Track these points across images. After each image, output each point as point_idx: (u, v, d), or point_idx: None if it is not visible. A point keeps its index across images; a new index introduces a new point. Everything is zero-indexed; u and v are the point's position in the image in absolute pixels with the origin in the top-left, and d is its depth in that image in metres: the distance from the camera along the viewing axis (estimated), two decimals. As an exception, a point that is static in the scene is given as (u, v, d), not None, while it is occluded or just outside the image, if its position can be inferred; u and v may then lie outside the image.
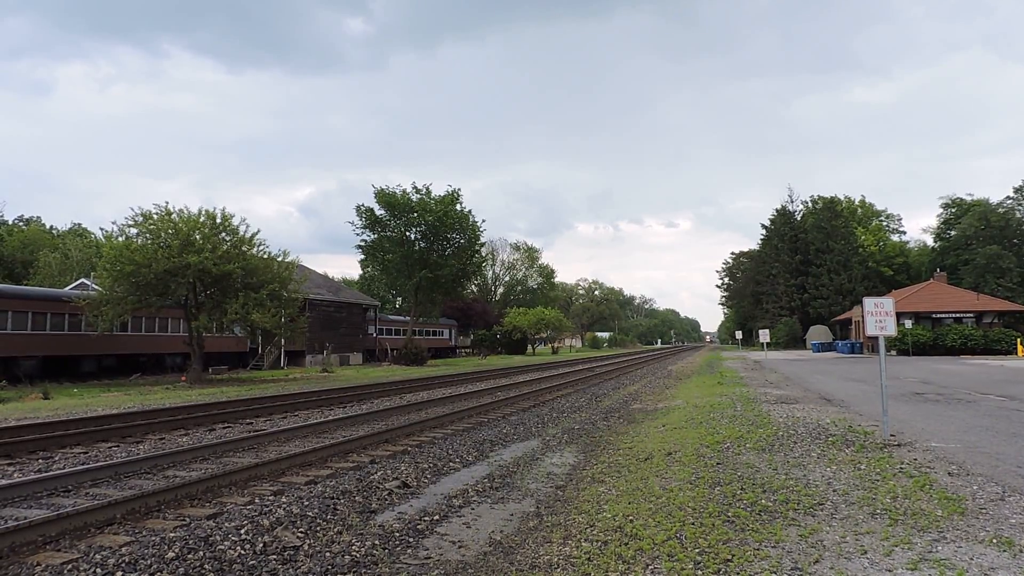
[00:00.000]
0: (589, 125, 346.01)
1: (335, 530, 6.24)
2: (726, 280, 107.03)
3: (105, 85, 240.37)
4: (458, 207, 48.01)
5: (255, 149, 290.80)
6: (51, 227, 74.20)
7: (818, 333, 64.99)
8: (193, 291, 27.87)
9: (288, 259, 31.58)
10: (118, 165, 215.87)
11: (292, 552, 5.59)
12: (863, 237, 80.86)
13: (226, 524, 6.21)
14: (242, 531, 5.99)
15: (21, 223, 72.84)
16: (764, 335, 46.00)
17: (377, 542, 5.91)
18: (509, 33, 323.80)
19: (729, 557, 4.90)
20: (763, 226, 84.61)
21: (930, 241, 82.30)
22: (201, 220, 28.10)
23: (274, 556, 5.48)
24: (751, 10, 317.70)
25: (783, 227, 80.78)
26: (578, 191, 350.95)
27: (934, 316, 49.02)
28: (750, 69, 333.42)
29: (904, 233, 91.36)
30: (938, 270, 61.26)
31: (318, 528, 6.26)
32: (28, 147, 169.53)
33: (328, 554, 5.57)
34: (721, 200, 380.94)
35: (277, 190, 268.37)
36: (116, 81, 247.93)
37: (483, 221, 50.18)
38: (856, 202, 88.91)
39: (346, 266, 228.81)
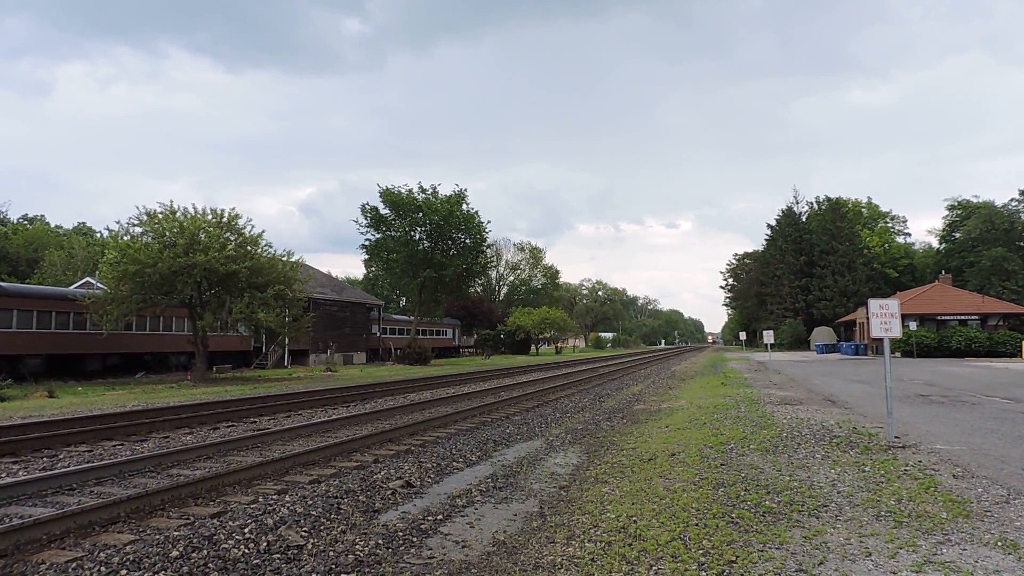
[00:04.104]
0: (589, 126, 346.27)
1: (339, 529, 6.24)
2: (730, 281, 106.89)
3: (105, 85, 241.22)
4: (464, 207, 48.00)
5: (256, 149, 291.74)
6: (55, 226, 74.45)
7: (822, 334, 64.81)
8: (198, 290, 27.93)
9: (293, 259, 31.69)
10: (121, 165, 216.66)
11: (296, 551, 5.59)
12: (868, 239, 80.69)
13: (230, 523, 6.22)
14: (246, 530, 6.00)
15: (25, 221, 73.07)
16: (768, 336, 45.81)
17: (381, 541, 5.91)
18: (505, 34, 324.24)
19: (733, 558, 4.89)
20: (768, 226, 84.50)
21: (935, 243, 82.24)
22: (208, 219, 28.18)
23: (278, 555, 5.49)
24: (745, 11, 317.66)
25: (788, 228, 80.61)
26: (579, 192, 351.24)
27: (939, 318, 48.87)
28: (748, 70, 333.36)
29: (909, 235, 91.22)
30: (943, 272, 61.04)
31: (322, 527, 6.26)
32: (30, 147, 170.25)
33: (332, 553, 5.57)
34: (722, 201, 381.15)
35: (279, 190, 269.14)
36: (116, 81, 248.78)
37: (488, 222, 50.24)
38: (862, 203, 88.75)
39: (348, 265, 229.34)
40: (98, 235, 65.52)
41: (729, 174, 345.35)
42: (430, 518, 6.76)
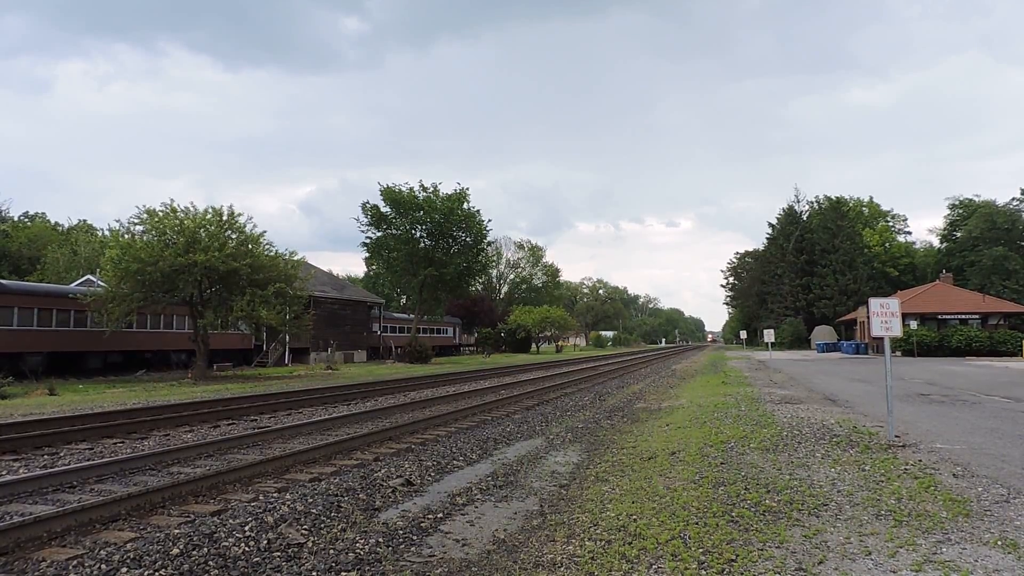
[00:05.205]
0: (588, 124, 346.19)
1: (339, 527, 6.25)
2: (731, 280, 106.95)
3: (104, 83, 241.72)
4: (465, 206, 47.99)
5: (256, 148, 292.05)
6: (55, 223, 74.36)
7: (823, 333, 64.83)
8: (199, 288, 27.95)
9: (296, 259, 31.78)
10: (121, 164, 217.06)
11: (296, 549, 5.60)
12: (869, 238, 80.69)
13: (230, 521, 6.22)
14: (246, 528, 6.01)
15: (26, 219, 73.04)
16: (768, 335, 45.90)
17: (381, 539, 5.92)
18: (504, 32, 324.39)
19: (733, 557, 4.90)
20: (769, 225, 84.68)
21: (936, 242, 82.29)
22: (208, 217, 28.19)
23: (278, 553, 5.49)
24: (744, 10, 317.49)
25: (789, 227, 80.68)
26: (579, 190, 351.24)
27: (939, 317, 48.86)
28: (747, 69, 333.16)
29: (910, 234, 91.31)
30: (944, 271, 61.08)
31: (322, 525, 6.27)
32: (30, 145, 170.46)
33: (332, 551, 5.58)
34: (722, 200, 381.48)
35: (278, 188, 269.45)
36: (115, 79, 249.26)
37: (489, 220, 50.24)
38: (863, 202, 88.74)
39: (348, 263, 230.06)
40: (99, 232, 65.55)
41: (729, 173, 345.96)
42: (430, 516, 6.76)
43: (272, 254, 30.53)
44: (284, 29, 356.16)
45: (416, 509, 7.03)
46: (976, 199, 74.93)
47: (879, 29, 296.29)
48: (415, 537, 6.09)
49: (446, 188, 47.86)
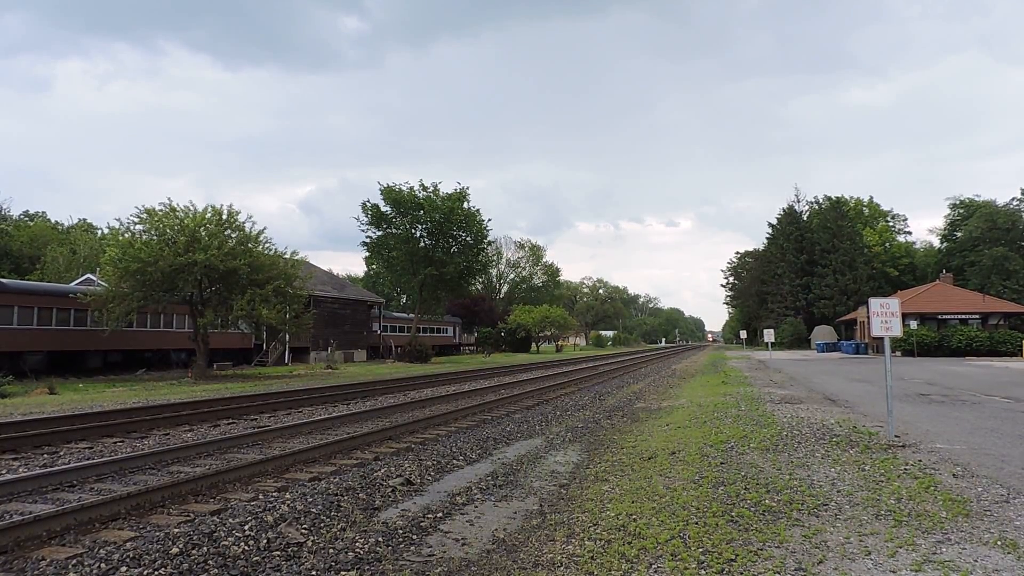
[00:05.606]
0: (588, 124, 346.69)
1: (339, 527, 6.25)
2: (731, 279, 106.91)
3: (104, 82, 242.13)
4: (465, 205, 47.97)
5: (256, 147, 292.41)
6: (55, 223, 74.30)
7: (823, 333, 64.81)
8: (199, 288, 27.94)
9: (297, 258, 31.80)
10: (121, 163, 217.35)
11: (296, 548, 5.60)
12: (869, 237, 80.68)
13: (230, 520, 6.22)
14: (246, 527, 6.01)
15: (27, 219, 73.01)
16: (768, 335, 45.90)
17: (381, 539, 5.91)
18: (504, 32, 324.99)
19: (732, 557, 4.90)
20: (769, 224, 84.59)
21: (936, 242, 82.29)
22: (207, 217, 28.19)
23: (278, 552, 5.49)
24: (743, 9, 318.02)
25: (789, 227, 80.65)
26: (579, 190, 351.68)
27: (939, 317, 48.85)
28: (746, 69, 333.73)
29: (910, 234, 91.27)
30: (944, 271, 61.08)
31: (322, 525, 6.27)
32: (29, 144, 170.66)
33: (332, 551, 5.57)
34: (722, 200, 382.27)
35: (279, 187, 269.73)
36: (115, 78, 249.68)
37: (489, 220, 50.22)
38: (863, 202, 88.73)
39: (348, 263, 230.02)
40: (99, 232, 65.55)
41: (728, 173, 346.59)
42: (430, 516, 6.76)
43: (272, 253, 30.53)
44: (284, 29, 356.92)
45: (416, 508, 7.03)
46: (976, 199, 74.98)
47: (878, 29, 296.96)
48: (415, 536, 6.09)
49: (446, 188, 47.88)
